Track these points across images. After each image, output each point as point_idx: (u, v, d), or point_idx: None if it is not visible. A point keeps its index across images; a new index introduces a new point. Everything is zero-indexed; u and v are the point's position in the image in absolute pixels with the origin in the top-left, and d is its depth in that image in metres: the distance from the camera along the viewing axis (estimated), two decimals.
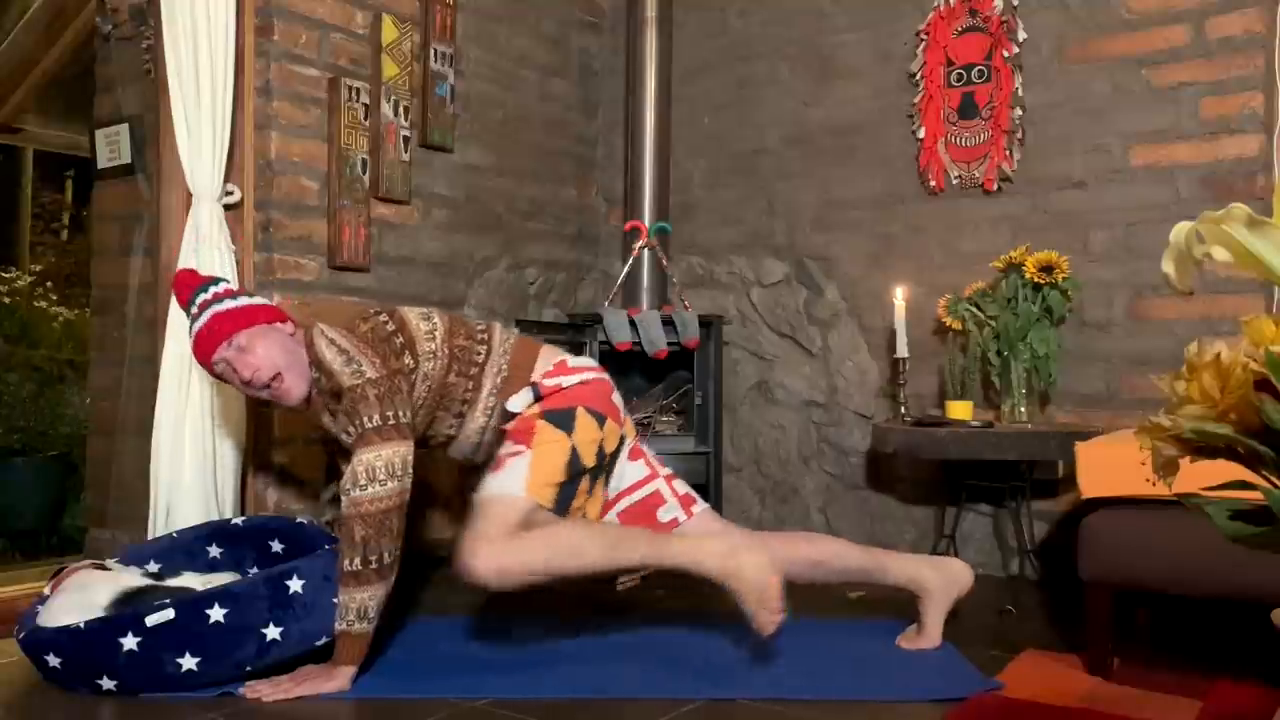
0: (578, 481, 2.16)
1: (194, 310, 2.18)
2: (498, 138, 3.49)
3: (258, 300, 2.23)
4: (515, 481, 2.08)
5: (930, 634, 2.28)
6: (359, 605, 1.96)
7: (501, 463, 2.14)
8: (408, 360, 2.15)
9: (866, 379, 3.39)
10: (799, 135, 3.55)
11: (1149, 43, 2.89)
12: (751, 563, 2.02)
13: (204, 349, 2.14)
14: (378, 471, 1.97)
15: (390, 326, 2.17)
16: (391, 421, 2.02)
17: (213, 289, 2.20)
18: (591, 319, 3.35)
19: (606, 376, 2.33)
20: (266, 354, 2.11)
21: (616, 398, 2.32)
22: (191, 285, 2.22)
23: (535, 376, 2.26)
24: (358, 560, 1.95)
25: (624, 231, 3.64)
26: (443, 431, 2.30)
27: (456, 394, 2.25)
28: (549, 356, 2.32)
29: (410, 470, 2.02)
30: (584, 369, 2.29)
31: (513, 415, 2.23)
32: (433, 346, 2.21)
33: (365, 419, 2.01)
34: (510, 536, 1.99)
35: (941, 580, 2.30)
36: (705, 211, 3.75)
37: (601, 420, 2.21)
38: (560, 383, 2.23)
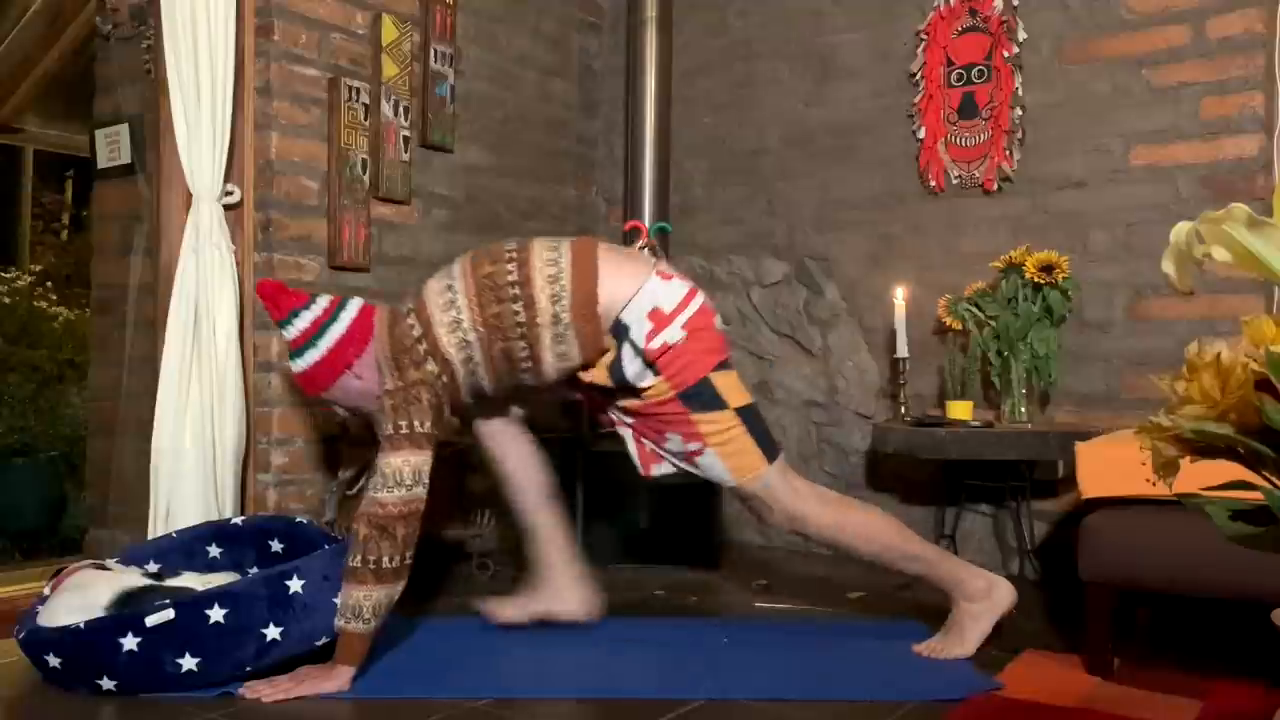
0: (752, 416, 2.21)
1: (289, 341, 2.24)
2: (498, 138, 3.49)
3: (326, 346, 2.20)
4: (723, 477, 2.21)
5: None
6: (354, 604, 1.98)
7: (691, 460, 2.22)
8: (430, 367, 2.14)
9: (866, 379, 3.39)
10: (799, 135, 3.55)
11: (1149, 43, 2.89)
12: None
13: (305, 390, 2.31)
14: (388, 478, 2.02)
15: (416, 331, 2.16)
16: (404, 431, 2.05)
17: (288, 333, 2.23)
18: None
19: (699, 299, 2.19)
20: (347, 404, 2.29)
21: (717, 320, 2.23)
22: (275, 317, 2.26)
23: (635, 330, 2.12)
24: (357, 558, 1.98)
25: (624, 231, 3.63)
26: (526, 380, 2.26)
27: (515, 354, 2.18)
28: (623, 283, 2.13)
29: (422, 480, 2.05)
30: (678, 307, 2.14)
31: (634, 386, 2.14)
32: (460, 335, 2.14)
33: (385, 426, 2.07)
34: (801, 495, 2.21)
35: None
36: (705, 211, 3.75)
37: (729, 365, 2.22)
38: (666, 341, 2.12)
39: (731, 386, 2.19)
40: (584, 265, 2.15)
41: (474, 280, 2.16)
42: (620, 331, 2.14)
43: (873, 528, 2.25)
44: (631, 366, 2.13)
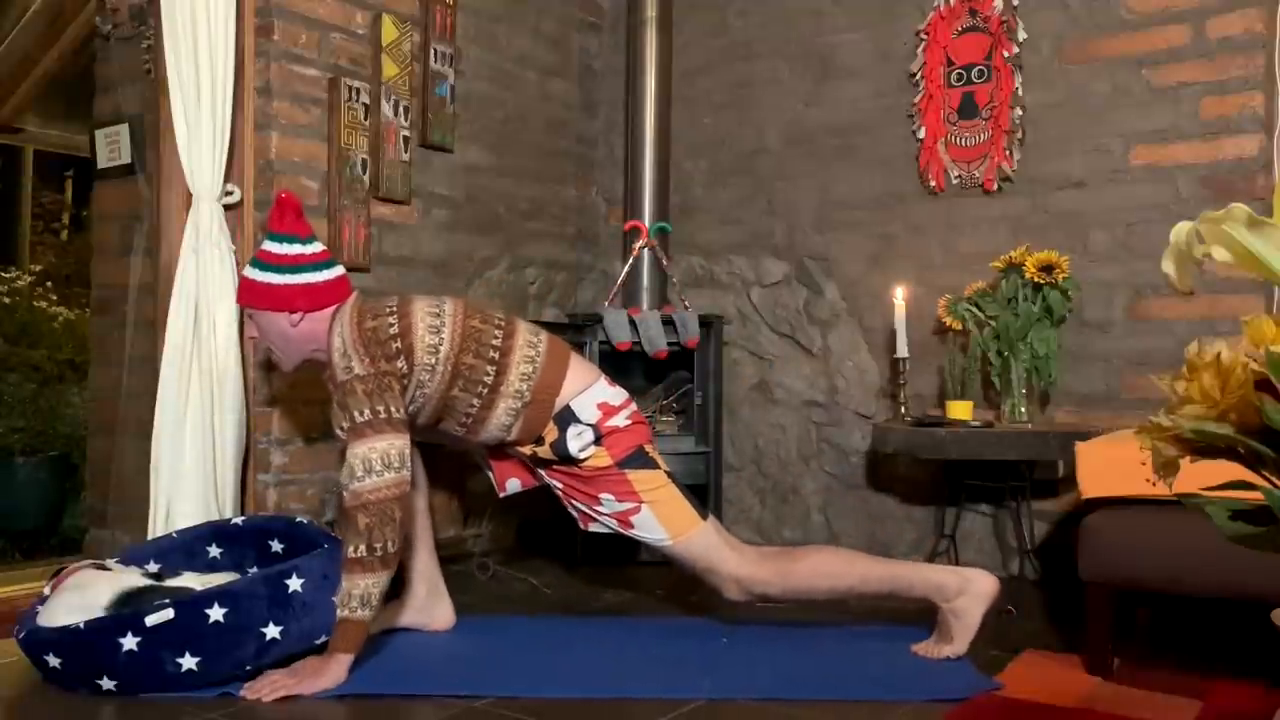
0: (678, 481, 2.35)
1: (264, 251, 2.26)
2: (498, 138, 3.49)
3: (290, 281, 2.22)
4: (658, 537, 2.30)
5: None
6: (362, 592, 1.98)
7: (627, 521, 2.31)
8: (400, 365, 2.15)
9: (866, 379, 3.39)
10: (799, 135, 3.55)
11: (1149, 43, 2.89)
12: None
13: (238, 295, 2.39)
14: (374, 463, 2.02)
15: (394, 329, 2.17)
16: (382, 415, 2.05)
17: (270, 246, 2.25)
18: (591, 319, 3.35)
19: (634, 405, 2.42)
20: (263, 332, 2.30)
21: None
22: (273, 226, 2.27)
23: (584, 415, 2.29)
24: (363, 548, 1.98)
25: (624, 231, 3.64)
26: (452, 429, 2.33)
27: (460, 407, 2.26)
28: (581, 378, 2.33)
29: (407, 462, 2.05)
30: (623, 404, 2.36)
31: (575, 458, 2.27)
32: (433, 361, 2.20)
33: (355, 413, 2.05)
34: (746, 561, 2.28)
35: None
36: (705, 211, 3.74)
37: (653, 443, 2.40)
38: (615, 425, 2.31)
39: (660, 457, 2.37)
40: (557, 358, 2.33)
41: (462, 325, 2.25)
42: (567, 416, 2.30)
43: (823, 565, 2.30)
44: (577, 442, 2.28)
